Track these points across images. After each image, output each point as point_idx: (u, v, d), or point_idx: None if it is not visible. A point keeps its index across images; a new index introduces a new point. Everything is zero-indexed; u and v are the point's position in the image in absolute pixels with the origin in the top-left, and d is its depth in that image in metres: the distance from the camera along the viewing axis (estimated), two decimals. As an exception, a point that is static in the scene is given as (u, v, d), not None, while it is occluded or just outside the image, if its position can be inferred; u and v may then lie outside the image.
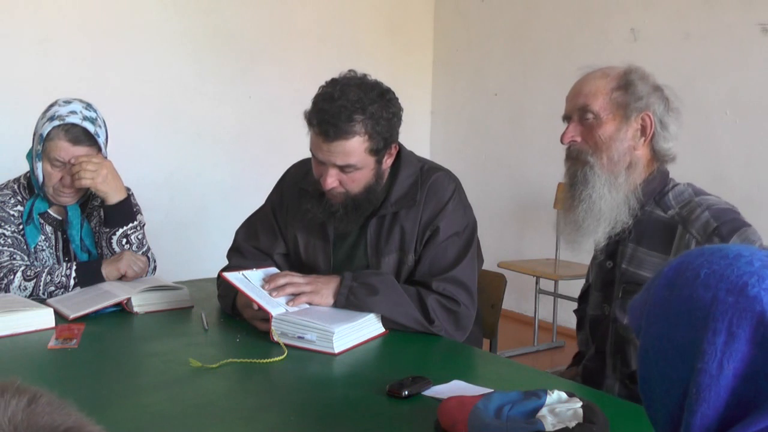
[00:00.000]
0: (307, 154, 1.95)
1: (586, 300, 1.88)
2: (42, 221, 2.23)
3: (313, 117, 1.84)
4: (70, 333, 1.82)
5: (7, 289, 2.08)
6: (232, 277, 1.87)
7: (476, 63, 5.09)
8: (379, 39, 5.02)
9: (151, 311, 2.04)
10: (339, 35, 4.81)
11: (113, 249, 2.20)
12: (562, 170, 1.79)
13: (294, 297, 1.86)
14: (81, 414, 0.60)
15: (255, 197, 2.32)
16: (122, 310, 2.03)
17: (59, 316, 1.93)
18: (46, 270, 2.12)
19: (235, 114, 4.47)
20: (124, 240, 2.21)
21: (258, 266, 1.98)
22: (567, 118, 1.74)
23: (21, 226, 2.20)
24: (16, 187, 2.26)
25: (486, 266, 2.17)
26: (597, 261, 1.81)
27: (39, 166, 2.15)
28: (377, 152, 1.88)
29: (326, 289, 1.88)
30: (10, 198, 2.22)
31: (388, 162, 1.95)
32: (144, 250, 2.25)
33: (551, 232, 4.21)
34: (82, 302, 2.00)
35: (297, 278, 1.90)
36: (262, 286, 1.88)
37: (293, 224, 2.07)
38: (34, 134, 2.18)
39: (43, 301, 2.01)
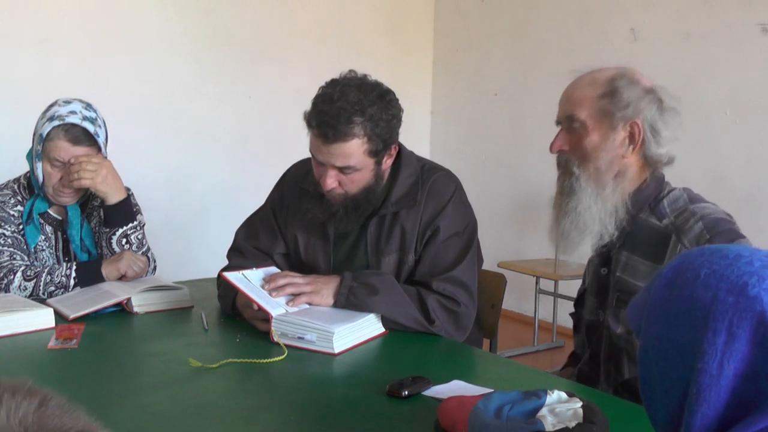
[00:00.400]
0: (308, 154, 1.95)
1: (582, 303, 1.86)
2: (42, 221, 2.23)
3: (313, 119, 1.84)
4: (70, 333, 1.81)
5: (7, 289, 2.08)
6: (232, 276, 1.87)
7: (476, 63, 5.09)
8: (379, 39, 5.02)
9: (151, 311, 2.04)
10: (339, 35, 4.81)
11: (113, 249, 2.20)
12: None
13: (294, 297, 1.86)
14: (90, 418, 0.60)
15: (255, 197, 2.32)
16: (122, 310, 2.03)
17: (59, 316, 1.93)
18: (46, 270, 2.12)
19: (235, 114, 4.47)
20: (124, 240, 2.21)
21: (258, 266, 1.98)
22: (559, 122, 1.72)
23: (21, 226, 2.20)
24: (16, 187, 2.26)
25: (486, 266, 2.17)
26: (593, 264, 1.79)
27: (39, 166, 2.15)
28: (376, 154, 1.87)
29: (326, 289, 1.88)
30: (10, 198, 2.22)
31: (387, 163, 1.95)
32: (144, 250, 2.25)
33: (551, 233, 4.21)
34: (82, 302, 2.00)
35: (297, 278, 1.90)
36: (262, 286, 1.88)
37: (293, 224, 2.07)
38: (34, 134, 2.18)
39: (43, 301, 2.01)
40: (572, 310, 1.95)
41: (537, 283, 4.36)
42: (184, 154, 4.30)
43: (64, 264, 2.17)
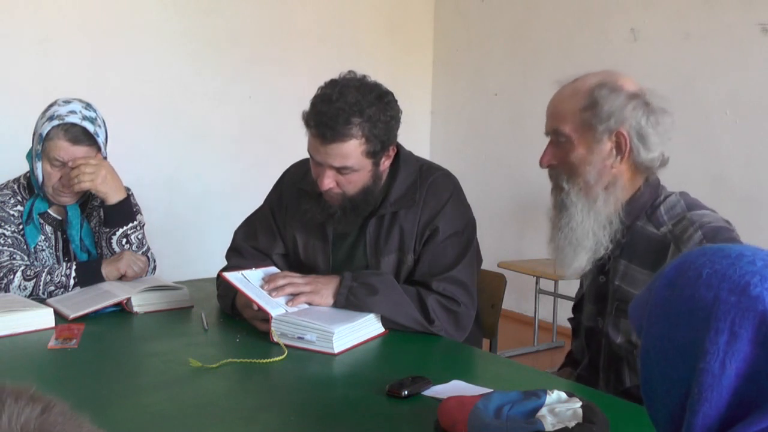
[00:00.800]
0: (307, 155, 1.95)
1: (580, 309, 1.85)
2: (42, 221, 2.23)
3: (311, 119, 1.84)
4: (70, 333, 1.81)
5: (7, 289, 2.08)
6: (231, 277, 1.87)
7: (476, 63, 5.09)
8: (379, 39, 5.02)
9: (151, 311, 2.04)
10: (339, 35, 4.81)
11: (113, 249, 2.20)
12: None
13: (293, 297, 1.86)
14: (93, 426, 0.60)
15: (255, 197, 2.32)
16: (122, 310, 2.03)
17: (59, 316, 1.93)
18: (45, 270, 2.12)
19: (235, 114, 4.47)
20: (124, 240, 2.21)
21: (257, 266, 1.98)
22: (548, 134, 1.70)
23: (21, 226, 2.20)
24: (16, 187, 2.25)
25: (486, 266, 2.16)
26: (590, 272, 1.76)
27: (39, 165, 2.15)
28: (374, 155, 1.87)
29: (326, 289, 1.88)
30: (10, 198, 2.22)
31: (386, 164, 1.95)
32: (144, 250, 2.25)
33: (551, 233, 4.21)
34: (82, 302, 2.00)
35: (296, 278, 1.90)
36: (262, 287, 1.88)
37: (292, 224, 2.07)
38: (34, 134, 2.17)
39: (43, 301, 2.01)
40: (568, 319, 1.94)
41: (537, 283, 4.36)
42: (184, 154, 4.30)
43: (64, 264, 2.17)
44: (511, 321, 4.66)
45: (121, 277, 2.16)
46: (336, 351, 1.70)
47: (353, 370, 1.67)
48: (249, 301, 1.83)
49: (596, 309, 1.74)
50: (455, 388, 1.48)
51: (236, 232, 2.17)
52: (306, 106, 1.88)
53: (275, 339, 1.75)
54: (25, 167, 2.26)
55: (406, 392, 1.43)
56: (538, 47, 4.68)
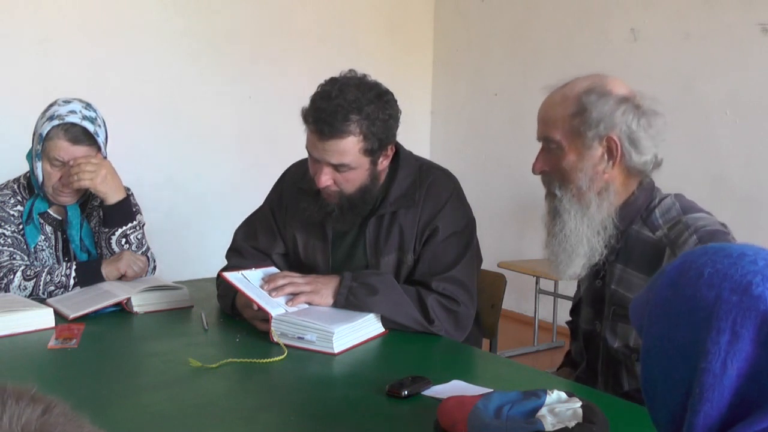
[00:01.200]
0: (307, 154, 1.95)
1: (578, 313, 1.84)
2: (42, 221, 2.23)
3: (310, 115, 1.84)
4: (70, 333, 1.81)
5: (6, 289, 2.08)
6: (231, 277, 1.87)
7: (476, 63, 5.09)
8: (379, 39, 5.01)
9: (151, 311, 2.04)
10: (339, 35, 4.81)
11: (113, 249, 2.20)
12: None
13: (293, 297, 1.86)
14: (94, 427, 0.60)
15: (255, 197, 2.31)
16: (122, 310, 2.03)
17: (59, 316, 1.93)
18: (45, 270, 2.12)
19: (235, 114, 4.47)
20: (124, 240, 2.21)
21: (257, 266, 1.98)
22: (539, 140, 1.69)
23: (21, 226, 2.20)
24: (16, 187, 2.25)
25: (486, 266, 2.16)
26: (587, 275, 1.74)
27: (39, 165, 2.15)
28: (372, 153, 1.87)
29: (326, 289, 1.88)
30: (10, 198, 2.22)
31: (384, 163, 1.95)
32: (144, 250, 2.25)
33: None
34: (82, 302, 2.00)
35: (296, 278, 1.90)
36: (262, 286, 1.87)
37: (292, 224, 2.07)
38: (34, 134, 2.17)
39: (42, 301, 2.01)
40: (566, 322, 1.94)
41: (537, 283, 4.36)
42: (184, 154, 4.30)
43: (64, 264, 2.17)
44: (511, 321, 4.65)
45: (121, 277, 2.16)
46: (336, 351, 1.70)
47: (353, 370, 1.67)
48: (249, 301, 1.83)
49: (593, 313, 1.73)
50: (455, 388, 1.48)
51: (236, 232, 2.17)
52: (306, 105, 1.88)
53: (275, 339, 1.74)
54: (25, 167, 2.26)
55: (406, 392, 1.43)
56: (538, 47, 4.68)
